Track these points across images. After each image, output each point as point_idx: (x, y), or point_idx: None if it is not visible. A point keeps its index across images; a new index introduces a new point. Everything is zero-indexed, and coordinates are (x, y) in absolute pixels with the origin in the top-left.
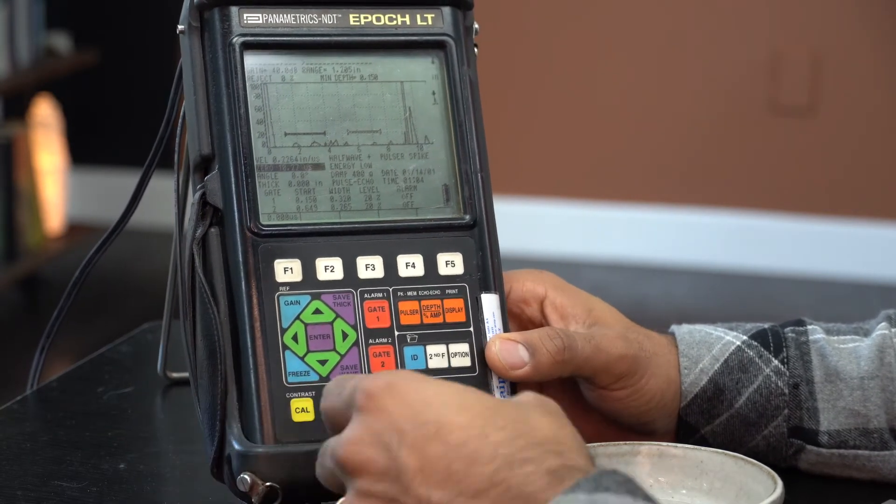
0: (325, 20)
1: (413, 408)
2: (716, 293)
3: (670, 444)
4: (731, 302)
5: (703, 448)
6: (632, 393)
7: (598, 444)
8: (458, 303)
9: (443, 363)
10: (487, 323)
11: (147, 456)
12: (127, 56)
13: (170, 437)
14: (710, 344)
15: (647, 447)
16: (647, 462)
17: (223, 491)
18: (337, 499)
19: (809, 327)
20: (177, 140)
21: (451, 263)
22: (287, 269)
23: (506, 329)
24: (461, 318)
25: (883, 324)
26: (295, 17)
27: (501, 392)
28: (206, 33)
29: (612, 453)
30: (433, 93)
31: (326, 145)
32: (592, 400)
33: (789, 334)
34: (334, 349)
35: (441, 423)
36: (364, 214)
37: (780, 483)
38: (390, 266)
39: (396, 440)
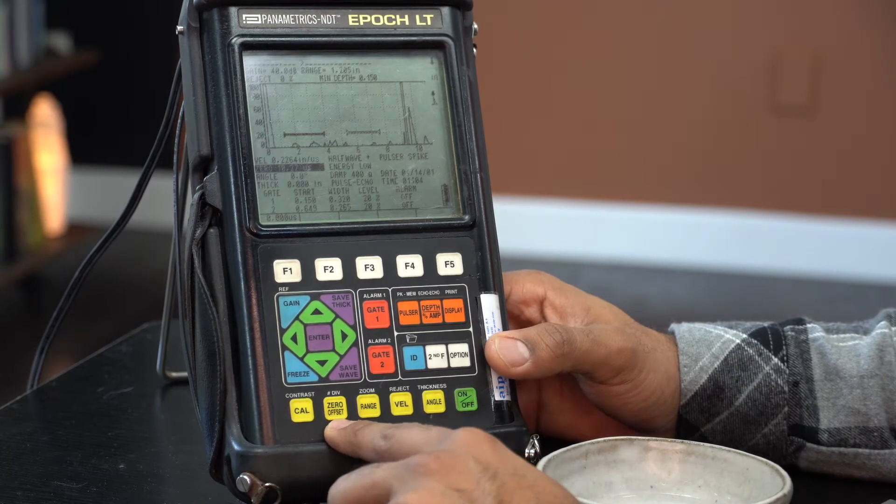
0: (324, 20)
1: (513, 461)
2: (716, 293)
3: (676, 440)
4: (731, 302)
5: (708, 444)
6: (631, 388)
7: (607, 438)
8: (458, 303)
9: (442, 363)
10: (487, 323)
11: (147, 456)
12: (127, 56)
13: (169, 436)
14: (710, 342)
15: (655, 443)
16: (654, 458)
17: (223, 491)
18: None
19: (809, 325)
20: (176, 141)
21: (450, 264)
22: (286, 270)
23: (505, 329)
24: (460, 318)
25: (883, 322)
26: (294, 17)
27: (501, 392)
28: (205, 34)
29: (613, 448)
30: (432, 93)
31: (326, 146)
32: (592, 397)
33: (789, 332)
34: (334, 349)
35: (537, 482)
36: (363, 215)
37: (788, 479)
38: (389, 266)
39: (489, 474)
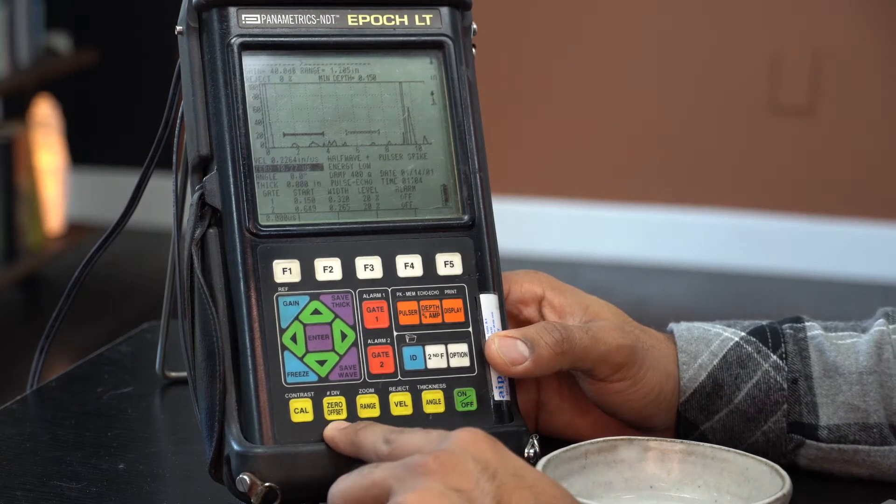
0: (323, 21)
1: (512, 461)
2: (715, 293)
3: (675, 440)
4: (731, 302)
5: (707, 444)
6: (630, 385)
7: (606, 438)
8: (457, 303)
9: (441, 363)
10: (486, 323)
11: (146, 456)
12: (127, 56)
13: (169, 436)
14: (709, 340)
15: (654, 443)
16: (654, 458)
17: (222, 491)
18: None
19: (807, 324)
20: (175, 141)
21: (449, 264)
22: (286, 270)
23: (504, 329)
24: (460, 318)
25: (881, 320)
26: (293, 17)
27: (500, 391)
28: (205, 34)
29: (613, 448)
30: (432, 93)
31: (325, 146)
32: (591, 394)
33: (787, 330)
34: (333, 349)
35: (537, 483)
36: (363, 215)
37: (787, 479)
38: (389, 266)
39: (488, 474)
